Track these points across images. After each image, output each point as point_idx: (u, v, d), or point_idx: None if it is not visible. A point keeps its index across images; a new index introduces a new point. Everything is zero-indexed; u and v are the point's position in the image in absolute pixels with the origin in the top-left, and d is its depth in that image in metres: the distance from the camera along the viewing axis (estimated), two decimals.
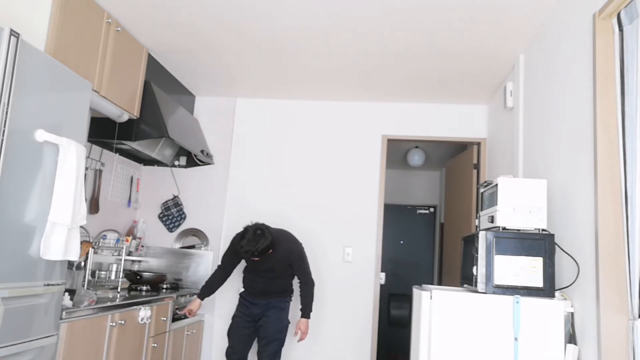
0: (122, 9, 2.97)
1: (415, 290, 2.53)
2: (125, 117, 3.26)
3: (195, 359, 3.95)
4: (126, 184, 4.04)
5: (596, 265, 2.00)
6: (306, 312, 3.32)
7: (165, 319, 3.30)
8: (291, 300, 3.48)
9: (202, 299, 3.40)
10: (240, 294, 3.47)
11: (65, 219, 2.11)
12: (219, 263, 3.44)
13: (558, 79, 2.58)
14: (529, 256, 2.21)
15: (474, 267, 2.27)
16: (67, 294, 2.31)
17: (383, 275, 4.26)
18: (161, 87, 3.72)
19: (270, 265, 3.26)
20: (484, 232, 2.25)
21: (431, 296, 2.24)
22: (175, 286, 3.85)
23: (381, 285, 4.23)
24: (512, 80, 3.35)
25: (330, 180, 4.26)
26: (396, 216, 6.21)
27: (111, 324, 2.61)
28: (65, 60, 2.59)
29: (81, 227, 2.24)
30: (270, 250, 3.14)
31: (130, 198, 4.09)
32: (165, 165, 4.26)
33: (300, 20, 2.97)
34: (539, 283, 2.19)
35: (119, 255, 3.63)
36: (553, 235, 2.26)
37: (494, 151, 3.91)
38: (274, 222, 4.13)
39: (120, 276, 3.54)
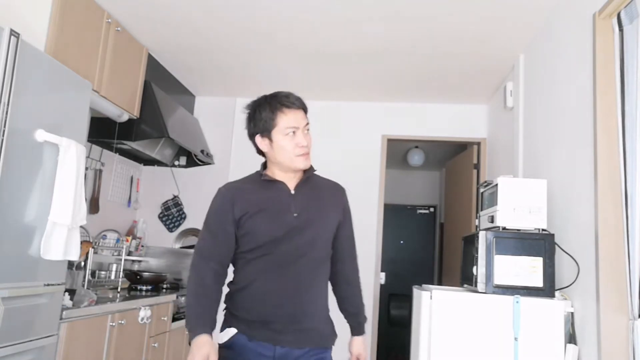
0: (122, 9, 2.97)
1: (415, 290, 2.53)
2: (125, 117, 3.26)
3: None
4: (126, 184, 4.04)
5: (596, 265, 2.00)
6: (363, 324, 1.89)
7: (165, 319, 3.30)
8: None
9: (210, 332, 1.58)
10: (232, 344, 1.63)
11: (65, 219, 2.10)
12: (198, 261, 1.66)
13: (558, 79, 2.58)
14: (529, 256, 2.21)
15: (474, 267, 2.27)
16: (67, 294, 2.31)
17: (383, 275, 4.26)
18: (161, 87, 3.72)
19: (310, 205, 1.69)
20: (484, 232, 2.25)
21: (431, 296, 2.24)
22: (175, 286, 3.85)
23: (381, 285, 4.23)
24: (512, 80, 3.35)
25: None
26: (396, 216, 6.21)
27: (111, 324, 2.60)
28: (65, 60, 2.58)
29: (81, 227, 2.23)
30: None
31: (130, 198, 4.09)
32: (165, 165, 4.26)
33: (301, 20, 2.97)
34: (539, 283, 2.19)
35: (119, 255, 3.63)
36: (553, 235, 2.26)
37: (494, 151, 3.91)
38: None
39: (120, 276, 3.54)
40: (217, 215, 1.69)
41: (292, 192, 1.69)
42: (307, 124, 1.70)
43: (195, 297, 1.62)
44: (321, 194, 1.76)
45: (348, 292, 1.84)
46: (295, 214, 1.64)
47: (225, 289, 1.70)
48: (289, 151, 1.65)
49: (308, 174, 1.74)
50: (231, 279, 1.72)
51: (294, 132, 1.65)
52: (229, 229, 1.65)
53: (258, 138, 1.69)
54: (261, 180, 1.70)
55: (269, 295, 1.61)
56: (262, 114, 1.66)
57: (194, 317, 1.59)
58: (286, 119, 1.64)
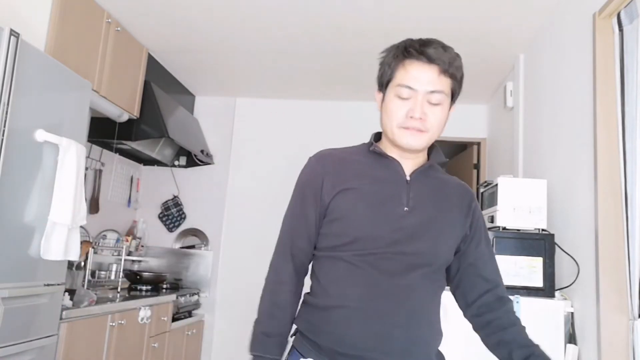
0: (122, 9, 2.97)
1: None
2: (125, 117, 3.26)
3: (195, 359, 3.95)
4: (126, 184, 4.04)
5: (596, 265, 2.00)
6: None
7: (165, 319, 3.30)
8: None
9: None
10: None
11: (66, 219, 2.10)
12: (275, 259, 1.25)
13: (558, 79, 2.58)
14: (529, 256, 2.21)
15: None
16: (67, 294, 2.31)
17: None
18: (161, 87, 3.72)
19: (429, 201, 1.22)
20: None
21: None
22: (175, 286, 3.85)
23: None
24: (512, 80, 3.35)
25: None
26: None
27: (111, 324, 2.60)
28: (65, 60, 2.58)
29: (81, 227, 2.23)
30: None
31: (130, 198, 4.09)
32: (165, 165, 4.26)
33: (300, 19, 2.97)
34: (539, 283, 2.19)
35: (119, 255, 3.63)
36: (553, 235, 2.26)
37: (494, 151, 3.91)
38: (275, 223, 4.12)
39: (120, 276, 3.54)
40: (301, 193, 1.23)
41: (408, 178, 1.21)
42: (440, 92, 1.16)
43: (270, 311, 1.19)
44: (445, 192, 1.27)
45: (510, 318, 1.23)
46: (406, 208, 1.17)
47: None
48: (393, 117, 1.17)
49: (433, 161, 1.26)
50: (307, 290, 1.24)
51: (405, 97, 1.15)
52: (311, 215, 1.21)
53: (376, 92, 1.26)
54: (369, 152, 1.25)
55: (372, 318, 1.11)
56: (386, 59, 1.22)
57: (262, 336, 1.16)
58: (404, 74, 1.16)
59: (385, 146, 1.25)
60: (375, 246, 1.13)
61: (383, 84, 1.22)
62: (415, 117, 1.14)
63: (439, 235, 1.19)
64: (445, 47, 1.20)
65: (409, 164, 1.23)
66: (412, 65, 1.16)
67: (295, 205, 1.25)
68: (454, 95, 1.24)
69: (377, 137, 1.30)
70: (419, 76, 1.15)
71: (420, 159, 1.25)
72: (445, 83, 1.18)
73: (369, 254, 1.13)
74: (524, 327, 1.23)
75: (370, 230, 1.14)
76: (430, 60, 1.15)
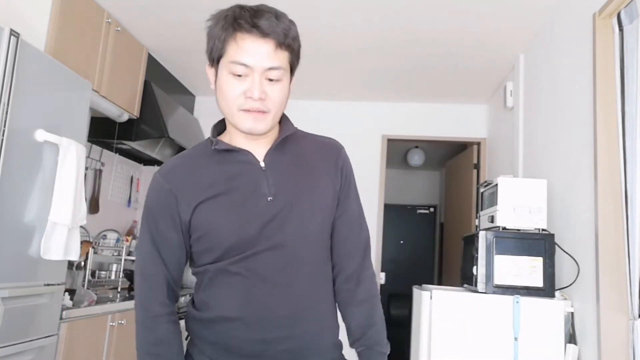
0: (122, 9, 2.97)
1: (415, 290, 2.53)
2: (125, 117, 3.26)
3: None
4: (126, 184, 4.04)
5: (596, 265, 2.00)
6: (379, 348, 1.17)
7: None
8: None
9: None
10: None
11: (66, 219, 2.10)
12: (140, 295, 1.13)
13: (558, 79, 2.58)
14: (529, 256, 2.21)
15: (474, 267, 2.27)
16: (67, 294, 2.31)
17: (383, 275, 4.25)
18: (161, 87, 3.72)
19: (292, 181, 1.14)
20: (484, 232, 2.25)
21: (431, 296, 2.24)
22: None
23: (381, 285, 4.22)
24: (512, 80, 3.35)
25: None
26: (396, 216, 6.21)
27: (111, 324, 2.60)
28: (65, 60, 2.58)
29: (81, 227, 2.23)
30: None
31: (130, 198, 4.08)
32: None
33: (300, 19, 2.96)
34: (539, 283, 2.19)
35: (119, 255, 3.63)
36: (553, 235, 2.26)
37: (494, 151, 3.91)
38: None
39: (120, 276, 3.53)
40: (155, 218, 1.12)
41: (262, 164, 1.12)
42: (279, 68, 1.05)
43: (152, 351, 1.09)
44: (307, 161, 1.17)
45: (360, 293, 1.19)
46: (270, 198, 1.08)
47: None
48: (230, 99, 1.06)
49: (284, 134, 1.15)
50: (191, 299, 1.17)
51: (241, 74, 1.04)
52: (173, 237, 1.11)
53: (207, 67, 1.14)
54: (213, 151, 1.13)
55: (253, 325, 1.07)
56: (214, 31, 1.09)
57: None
58: (236, 49, 1.03)
59: (231, 135, 1.14)
60: (247, 249, 1.06)
61: (214, 60, 1.09)
62: (254, 98, 1.03)
63: (308, 213, 1.11)
64: (278, 16, 1.06)
65: (261, 146, 1.13)
66: (245, 39, 1.02)
67: (153, 231, 1.12)
68: (292, 69, 1.13)
69: (221, 126, 1.19)
70: (254, 52, 1.02)
71: (272, 134, 1.15)
72: (282, 57, 1.06)
73: (243, 259, 1.06)
74: (371, 304, 1.19)
75: (239, 236, 1.06)
76: (264, 33, 1.02)
